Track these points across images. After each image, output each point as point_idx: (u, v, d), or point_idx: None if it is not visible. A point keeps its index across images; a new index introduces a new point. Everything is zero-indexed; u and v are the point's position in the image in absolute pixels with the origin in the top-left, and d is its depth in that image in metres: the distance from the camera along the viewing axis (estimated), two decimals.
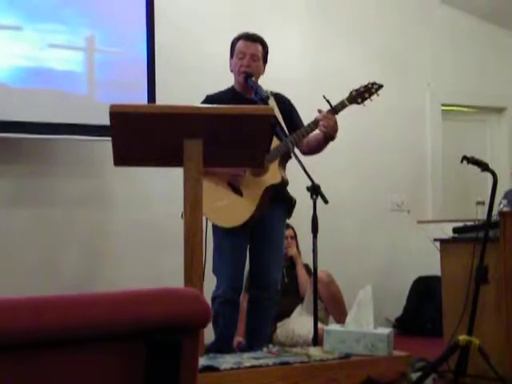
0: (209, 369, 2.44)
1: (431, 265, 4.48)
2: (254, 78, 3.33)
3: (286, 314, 4.34)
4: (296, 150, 3.25)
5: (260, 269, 3.41)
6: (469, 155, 3.37)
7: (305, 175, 2.97)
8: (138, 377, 1.02)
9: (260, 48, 3.42)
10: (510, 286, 3.29)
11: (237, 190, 3.30)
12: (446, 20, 5.90)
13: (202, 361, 2.50)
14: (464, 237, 3.62)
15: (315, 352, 2.78)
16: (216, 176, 3.25)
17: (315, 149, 3.41)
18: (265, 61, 3.47)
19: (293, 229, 4.62)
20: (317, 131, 3.31)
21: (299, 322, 4.23)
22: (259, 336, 3.44)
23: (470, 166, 3.38)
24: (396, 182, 5.60)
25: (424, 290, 5.29)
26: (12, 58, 4.17)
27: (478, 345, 3.13)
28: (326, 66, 5.38)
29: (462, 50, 5.96)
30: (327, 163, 4.82)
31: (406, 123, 5.69)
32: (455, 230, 3.73)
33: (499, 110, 6.21)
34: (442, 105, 5.90)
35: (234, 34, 3.50)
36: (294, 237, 4.69)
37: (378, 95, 3.40)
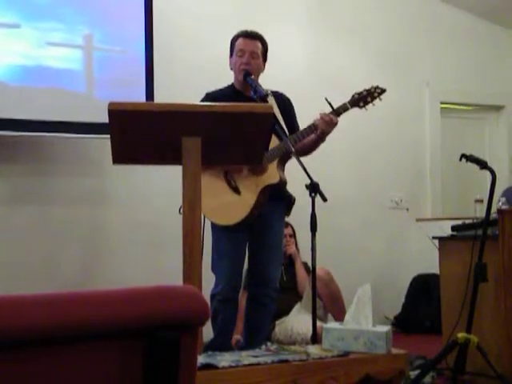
0: (207, 367, 2.44)
1: (430, 263, 4.49)
2: (253, 76, 3.32)
3: (285, 311, 4.34)
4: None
5: (259, 267, 3.42)
6: (467, 153, 3.38)
7: (304, 173, 2.97)
8: (137, 374, 1.02)
9: (259, 45, 3.41)
10: (509, 283, 3.29)
11: (235, 189, 3.30)
12: (444, 18, 5.90)
13: (201, 359, 2.50)
14: (463, 235, 3.63)
15: (314, 350, 2.78)
16: (214, 172, 3.25)
17: (308, 150, 3.41)
18: (265, 58, 3.46)
19: (292, 227, 4.62)
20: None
21: (298, 320, 4.23)
22: (258, 334, 3.44)
23: (469, 163, 3.38)
24: (395, 179, 5.60)
25: (423, 288, 5.30)
26: (10, 56, 4.16)
27: (476, 342, 3.13)
28: (326, 64, 5.38)
29: (460, 48, 5.96)
30: (326, 161, 4.83)
31: (404, 121, 5.69)
32: (454, 228, 3.73)
33: (498, 108, 6.21)
34: (441, 103, 5.90)
35: (233, 32, 3.49)
36: (293, 235, 4.69)
37: (380, 99, 3.39)
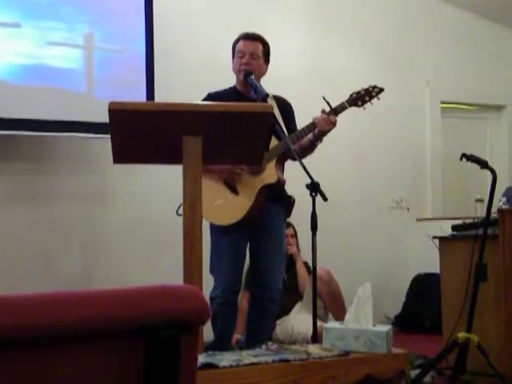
0: (208, 366, 2.44)
1: (430, 262, 4.48)
2: (253, 76, 3.31)
3: (286, 311, 4.34)
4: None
5: (262, 269, 3.40)
6: (468, 153, 3.37)
7: (304, 173, 2.97)
8: (138, 374, 1.02)
9: (260, 46, 3.40)
10: (509, 283, 3.29)
11: (233, 189, 3.29)
12: (445, 17, 5.90)
13: (201, 358, 2.50)
14: (463, 234, 3.63)
15: (314, 349, 2.78)
16: (213, 174, 3.25)
17: (305, 151, 3.40)
18: (266, 60, 3.44)
19: (293, 227, 4.62)
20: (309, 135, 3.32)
21: (298, 320, 4.23)
22: (260, 336, 3.42)
23: (470, 163, 3.38)
24: (395, 179, 5.60)
25: (423, 288, 5.29)
26: (10, 56, 4.16)
27: (476, 342, 3.13)
28: (326, 64, 5.38)
29: (461, 47, 5.96)
30: (327, 161, 4.83)
31: (405, 120, 5.69)
32: (454, 228, 3.73)
33: (499, 108, 6.21)
34: (442, 102, 5.90)
35: (234, 32, 3.49)
36: (295, 235, 4.69)
37: (378, 99, 3.39)
